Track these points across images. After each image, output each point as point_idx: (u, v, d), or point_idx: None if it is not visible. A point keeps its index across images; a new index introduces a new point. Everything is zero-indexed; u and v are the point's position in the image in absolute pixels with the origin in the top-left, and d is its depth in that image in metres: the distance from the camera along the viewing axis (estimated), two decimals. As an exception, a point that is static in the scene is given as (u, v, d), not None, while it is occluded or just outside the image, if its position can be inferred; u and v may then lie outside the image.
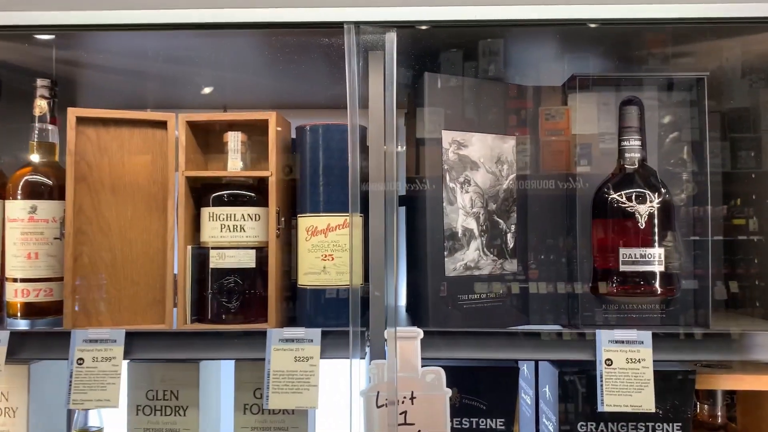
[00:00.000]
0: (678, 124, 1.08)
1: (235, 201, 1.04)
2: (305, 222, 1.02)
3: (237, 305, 1.03)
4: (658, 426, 1.00)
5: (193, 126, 1.06)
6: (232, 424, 1.03)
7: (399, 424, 0.94)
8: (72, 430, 1.04)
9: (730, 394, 1.09)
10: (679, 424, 1.00)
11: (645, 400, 0.94)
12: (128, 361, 1.04)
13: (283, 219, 1.04)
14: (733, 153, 1.15)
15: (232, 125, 1.07)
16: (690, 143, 1.07)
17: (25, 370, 1.02)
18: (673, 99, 1.09)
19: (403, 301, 1.20)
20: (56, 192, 1.04)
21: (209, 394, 1.07)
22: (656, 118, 1.08)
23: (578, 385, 1.02)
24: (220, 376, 1.13)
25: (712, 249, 1.00)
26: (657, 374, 0.94)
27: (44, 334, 0.99)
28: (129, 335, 0.98)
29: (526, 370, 1.22)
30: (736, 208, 1.13)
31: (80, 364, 0.96)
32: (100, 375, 0.96)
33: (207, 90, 1.29)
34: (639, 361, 0.95)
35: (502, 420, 1.02)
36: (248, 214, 1.03)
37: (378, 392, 0.95)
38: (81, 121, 1.02)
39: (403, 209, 1.16)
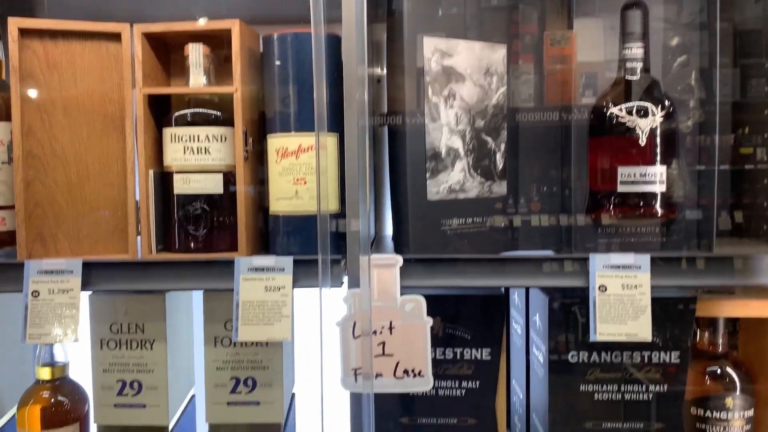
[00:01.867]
0: (686, 48, 0.98)
1: (198, 121, 0.95)
2: (275, 143, 0.94)
3: (204, 233, 0.96)
4: (655, 355, 0.94)
5: (151, 39, 0.96)
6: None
7: (376, 355, 0.89)
8: (35, 365, 0.98)
9: (732, 323, 1.03)
10: (678, 353, 0.94)
11: (641, 329, 0.88)
12: (90, 293, 0.98)
13: (251, 140, 0.95)
14: (743, 80, 1.06)
15: (194, 37, 0.97)
16: (698, 69, 0.97)
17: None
18: (682, 20, 0.98)
19: (389, 230, 1.13)
20: (3, 112, 0.96)
21: (178, 327, 1.01)
22: (663, 41, 0.98)
23: (569, 313, 0.96)
24: (191, 308, 1.07)
25: (719, 178, 0.92)
26: (655, 301, 0.87)
27: (-4, 265, 0.93)
28: (88, 266, 0.92)
29: (516, 298, 1.16)
30: (743, 137, 1.05)
31: (36, 296, 0.90)
32: (57, 308, 0.90)
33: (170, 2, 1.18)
34: (636, 287, 0.88)
35: (488, 350, 0.96)
36: (213, 135, 0.95)
37: (354, 322, 0.89)
38: (25, 33, 0.93)
39: (385, 129, 1.07)
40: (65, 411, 0.96)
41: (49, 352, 0.97)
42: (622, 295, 0.88)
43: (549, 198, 0.96)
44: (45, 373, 0.97)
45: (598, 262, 0.88)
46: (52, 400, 0.97)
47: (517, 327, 1.17)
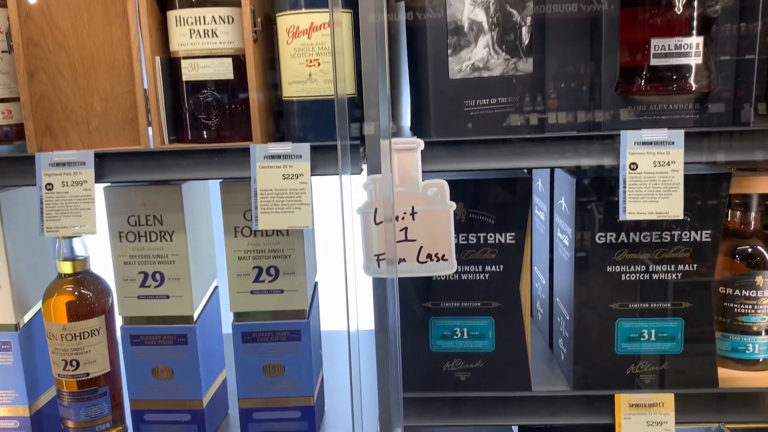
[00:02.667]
0: None
1: (203, 1, 0.90)
2: (285, 22, 0.88)
3: (217, 122, 0.92)
4: (685, 234, 0.92)
5: None
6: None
7: (399, 241, 0.87)
8: (56, 259, 0.98)
9: (764, 200, 0.99)
10: (709, 231, 0.91)
11: (673, 206, 0.85)
12: (105, 185, 0.96)
13: (259, 20, 0.90)
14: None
15: None
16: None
17: (-7, 199, 0.94)
18: None
19: (406, 122, 1.08)
20: (-3, -3, 0.91)
21: (196, 217, 0.99)
22: None
23: (597, 194, 0.93)
24: (208, 198, 1.05)
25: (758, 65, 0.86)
26: (687, 178, 0.84)
27: (6, 159, 0.90)
28: (101, 158, 0.89)
29: (540, 184, 1.13)
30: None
31: (49, 189, 0.88)
32: (72, 200, 0.88)
33: None
34: (668, 163, 0.84)
35: (512, 234, 0.93)
36: (220, 16, 0.89)
37: (375, 209, 0.86)
38: None
39: (402, 5, 1.00)
40: (90, 303, 0.97)
41: (68, 246, 0.97)
42: (654, 173, 0.84)
43: (577, 77, 0.91)
44: (66, 267, 0.97)
45: (629, 139, 0.84)
46: (76, 293, 0.97)
47: (540, 214, 1.15)
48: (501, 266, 0.94)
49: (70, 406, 0.98)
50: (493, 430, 1.08)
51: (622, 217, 0.84)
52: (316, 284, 1.08)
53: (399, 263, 0.87)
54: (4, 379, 0.99)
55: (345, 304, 0.85)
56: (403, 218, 0.87)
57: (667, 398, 0.92)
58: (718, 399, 0.95)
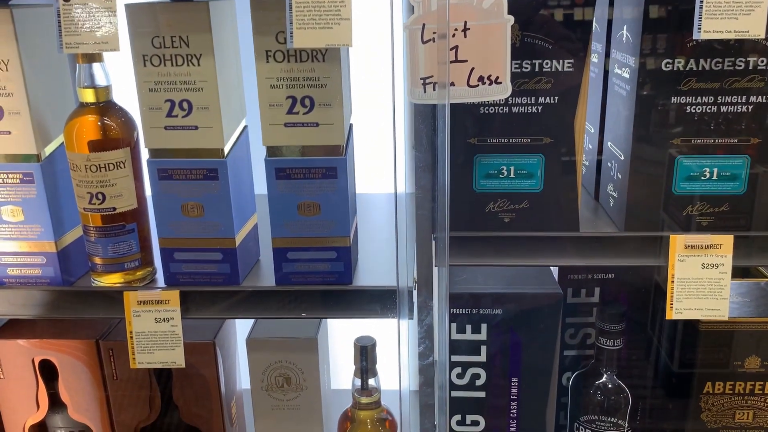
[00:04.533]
0: None
1: None
2: None
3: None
4: (761, 61, 0.83)
5: None
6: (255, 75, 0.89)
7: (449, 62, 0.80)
8: (77, 87, 0.92)
9: None
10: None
11: (753, 25, 0.76)
12: (127, 2, 0.88)
13: None
14: None
15: None
16: None
17: (7, 15, 0.87)
18: None
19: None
20: None
21: (225, 40, 0.92)
22: None
23: (665, 16, 0.84)
24: (235, 20, 0.97)
25: None
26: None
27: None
28: (120, -32, 0.81)
29: (595, 24, 1.03)
30: None
31: (67, 1, 0.81)
32: (91, 11, 0.81)
33: None
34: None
35: (571, 62, 0.86)
36: None
37: (423, 24, 0.79)
38: None
39: None
40: (114, 133, 0.91)
41: (89, 72, 0.90)
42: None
43: None
44: (89, 95, 0.91)
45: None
46: (99, 122, 0.91)
47: (593, 57, 1.06)
48: (556, 98, 0.87)
49: (98, 242, 0.95)
50: (532, 272, 1.04)
51: (695, 37, 0.76)
52: (351, 126, 1.02)
53: (439, 88, 0.80)
54: (28, 213, 0.95)
55: (392, 125, 0.79)
56: (453, 36, 0.79)
57: (726, 240, 0.87)
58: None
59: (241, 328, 1.18)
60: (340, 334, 1.39)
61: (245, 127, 1.01)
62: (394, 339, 0.92)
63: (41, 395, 1.06)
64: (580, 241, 0.90)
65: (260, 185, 0.98)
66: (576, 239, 0.90)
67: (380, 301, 0.93)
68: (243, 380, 1.22)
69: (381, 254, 1.07)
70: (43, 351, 1.04)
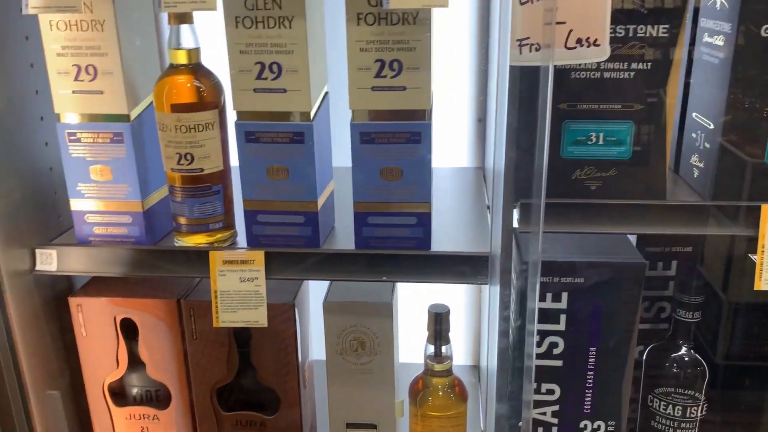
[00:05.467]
0: None
1: None
2: None
3: None
4: None
5: None
6: (344, 38, 0.90)
7: (546, 23, 0.79)
8: (168, 48, 0.93)
9: None
10: None
11: None
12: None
13: None
14: None
15: None
16: None
17: (105, -25, 0.88)
18: None
19: None
20: None
21: (315, 3, 0.92)
22: None
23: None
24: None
25: None
26: None
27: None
28: (218, -72, 0.82)
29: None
30: None
31: (166, -42, 0.82)
32: (191, -29, 0.82)
33: None
34: None
35: (666, 27, 0.84)
36: None
37: (522, -15, 0.78)
38: None
39: None
40: (203, 95, 0.93)
41: (180, 34, 0.92)
42: None
43: None
44: (180, 57, 0.92)
45: None
46: (189, 84, 0.93)
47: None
48: (649, 64, 0.86)
49: (184, 202, 0.97)
50: (610, 242, 1.03)
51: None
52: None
53: (543, 49, 0.80)
54: (117, 173, 0.97)
55: (495, 94, 0.79)
56: (552, -4, 0.78)
57: (820, 210, 0.86)
58: None
59: (314, 295, 1.20)
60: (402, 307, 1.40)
61: (327, 92, 1.02)
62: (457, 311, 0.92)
63: (121, 353, 1.09)
64: (668, 209, 0.90)
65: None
66: (664, 207, 0.90)
67: (469, 265, 0.94)
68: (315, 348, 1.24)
69: (451, 224, 1.08)
70: (124, 309, 1.06)
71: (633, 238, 1.07)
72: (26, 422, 1.01)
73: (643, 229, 0.91)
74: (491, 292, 0.93)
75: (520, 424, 0.91)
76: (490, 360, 0.95)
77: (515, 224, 0.90)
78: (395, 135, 0.93)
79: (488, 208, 1.15)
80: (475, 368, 1.60)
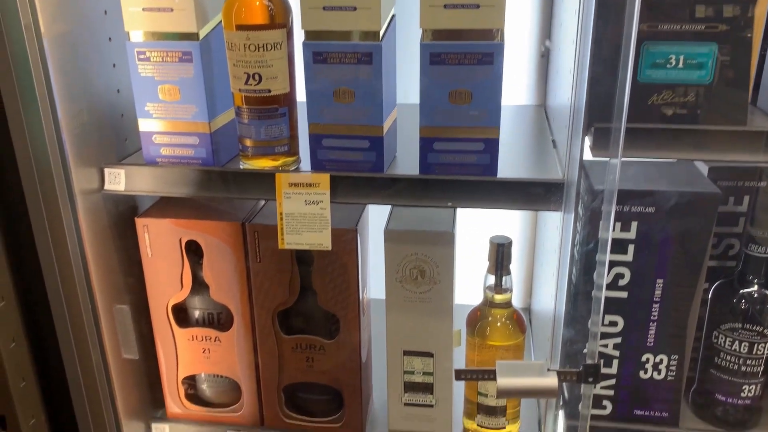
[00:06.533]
0: None
1: None
2: None
3: None
4: None
5: None
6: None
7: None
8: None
9: None
10: None
11: None
12: None
13: None
14: None
15: None
16: None
17: None
18: None
19: None
20: None
21: None
22: None
23: None
24: None
25: None
26: None
27: None
28: None
29: None
30: None
31: None
32: None
33: None
34: None
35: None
36: None
37: None
38: None
39: None
40: (273, 14, 0.92)
41: (249, -50, 0.90)
42: None
43: None
44: (249, -27, 0.91)
45: None
46: (257, 3, 0.92)
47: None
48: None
49: (251, 124, 0.97)
50: (681, 172, 1.00)
51: None
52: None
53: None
54: (185, 93, 0.98)
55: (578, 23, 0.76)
56: None
57: None
58: None
59: (374, 223, 1.19)
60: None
61: (394, 15, 1.00)
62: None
63: (185, 275, 1.11)
64: (750, 136, 0.86)
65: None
66: (746, 134, 0.86)
67: (543, 189, 0.92)
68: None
69: (516, 157, 1.06)
70: (190, 231, 1.08)
71: (704, 171, 1.04)
72: (96, 334, 1.04)
73: (723, 155, 0.88)
74: (565, 220, 0.92)
75: (585, 351, 0.90)
76: (560, 286, 0.94)
77: (587, 151, 0.88)
78: (466, 56, 0.91)
79: (553, 142, 1.13)
80: (525, 311, 1.59)
